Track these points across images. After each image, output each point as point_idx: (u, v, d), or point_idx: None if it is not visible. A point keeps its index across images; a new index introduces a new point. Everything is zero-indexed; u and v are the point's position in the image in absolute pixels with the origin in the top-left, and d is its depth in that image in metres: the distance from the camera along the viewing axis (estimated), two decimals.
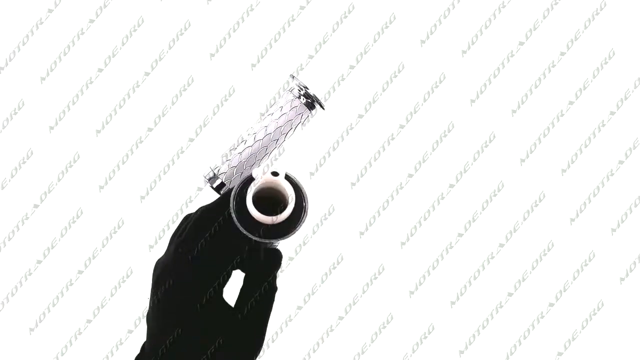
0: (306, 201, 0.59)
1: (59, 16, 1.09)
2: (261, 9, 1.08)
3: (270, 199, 0.60)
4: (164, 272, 0.61)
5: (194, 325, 0.60)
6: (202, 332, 0.60)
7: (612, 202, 1.03)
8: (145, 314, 0.63)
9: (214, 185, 0.64)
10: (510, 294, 1.05)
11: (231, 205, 0.58)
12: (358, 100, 1.04)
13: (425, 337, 1.05)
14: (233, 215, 0.58)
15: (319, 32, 1.07)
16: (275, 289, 0.63)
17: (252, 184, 0.58)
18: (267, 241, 0.58)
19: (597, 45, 1.08)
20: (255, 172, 0.58)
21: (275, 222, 0.58)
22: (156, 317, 0.61)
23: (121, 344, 1.05)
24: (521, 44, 1.08)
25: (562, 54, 1.08)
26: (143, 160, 1.07)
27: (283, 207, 0.58)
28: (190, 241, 0.61)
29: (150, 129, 1.07)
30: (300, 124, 0.65)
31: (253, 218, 0.58)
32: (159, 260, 0.63)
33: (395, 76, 1.06)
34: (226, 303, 0.62)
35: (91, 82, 1.08)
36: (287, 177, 0.59)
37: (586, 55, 1.08)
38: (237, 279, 0.64)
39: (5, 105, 1.09)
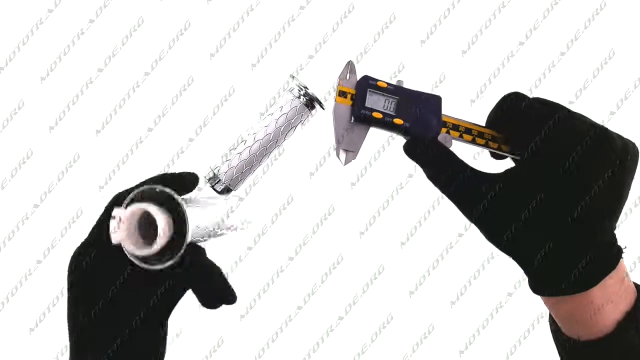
0: (186, 224, 0.53)
1: (59, 16, 1.09)
2: (261, 9, 1.08)
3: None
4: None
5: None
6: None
7: None
8: None
9: (214, 186, 0.64)
10: (510, 294, 1.04)
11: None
12: None
13: (425, 337, 1.05)
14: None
15: (319, 32, 1.07)
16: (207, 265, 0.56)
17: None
18: (151, 268, 0.53)
19: (597, 45, 1.08)
20: (115, 212, 0.53)
21: (150, 254, 0.53)
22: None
23: None
24: (521, 44, 1.08)
25: (562, 54, 1.08)
26: (143, 160, 1.07)
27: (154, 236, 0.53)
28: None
29: (150, 129, 1.07)
30: (300, 124, 0.65)
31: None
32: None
33: (395, 76, 1.05)
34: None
35: (91, 82, 1.08)
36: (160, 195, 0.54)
37: (586, 55, 1.08)
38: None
39: (5, 105, 1.09)
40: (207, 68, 1.08)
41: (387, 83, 0.63)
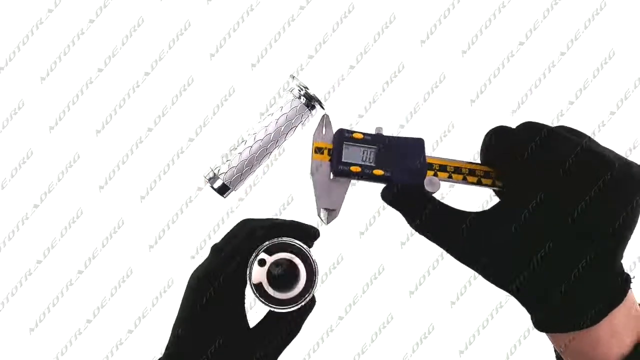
0: (316, 271, 0.62)
1: (59, 16, 1.09)
2: (261, 9, 1.08)
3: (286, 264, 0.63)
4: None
5: (194, 324, 0.61)
6: (201, 331, 0.61)
7: None
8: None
9: (214, 186, 0.64)
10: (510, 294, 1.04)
11: (248, 279, 0.61)
12: (358, 100, 1.04)
13: (425, 337, 1.05)
14: (251, 288, 0.61)
15: (319, 32, 1.07)
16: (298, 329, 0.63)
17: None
18: (282, 310, 0.61)
19: (597, 45, 1.08)
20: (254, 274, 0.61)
21: (288, 298, 0.61)
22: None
23: (121, 344, 1.05)
24: (521, 44, 1.08)
25: (562, 54, 1.08)
26: (143, 160, 1.07)
27: (294, 279, 0.62)
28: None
29: (150, 129, 1.07)
30: (301, 124, 0.65)
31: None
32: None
33: (395, 76, 1.06)
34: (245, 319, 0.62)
35: (91, 82, 1.08)
36: (295, 248, 0.62)
37: (586, 55, 1.08)
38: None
39: (5, 105, 1.09)
40: (207, 68, 1.08)
41: (364, 134, 0.61)
